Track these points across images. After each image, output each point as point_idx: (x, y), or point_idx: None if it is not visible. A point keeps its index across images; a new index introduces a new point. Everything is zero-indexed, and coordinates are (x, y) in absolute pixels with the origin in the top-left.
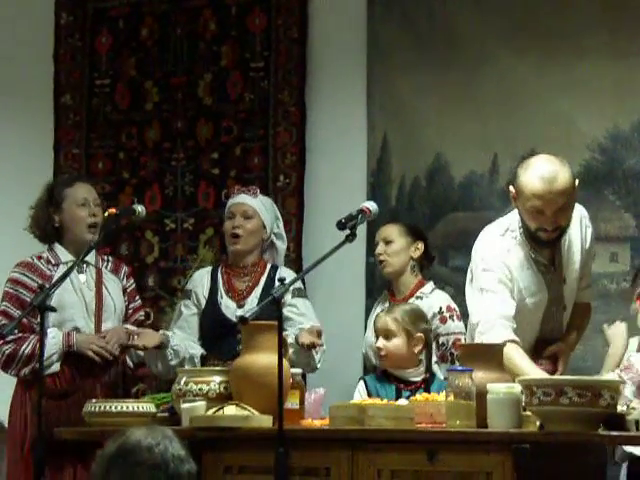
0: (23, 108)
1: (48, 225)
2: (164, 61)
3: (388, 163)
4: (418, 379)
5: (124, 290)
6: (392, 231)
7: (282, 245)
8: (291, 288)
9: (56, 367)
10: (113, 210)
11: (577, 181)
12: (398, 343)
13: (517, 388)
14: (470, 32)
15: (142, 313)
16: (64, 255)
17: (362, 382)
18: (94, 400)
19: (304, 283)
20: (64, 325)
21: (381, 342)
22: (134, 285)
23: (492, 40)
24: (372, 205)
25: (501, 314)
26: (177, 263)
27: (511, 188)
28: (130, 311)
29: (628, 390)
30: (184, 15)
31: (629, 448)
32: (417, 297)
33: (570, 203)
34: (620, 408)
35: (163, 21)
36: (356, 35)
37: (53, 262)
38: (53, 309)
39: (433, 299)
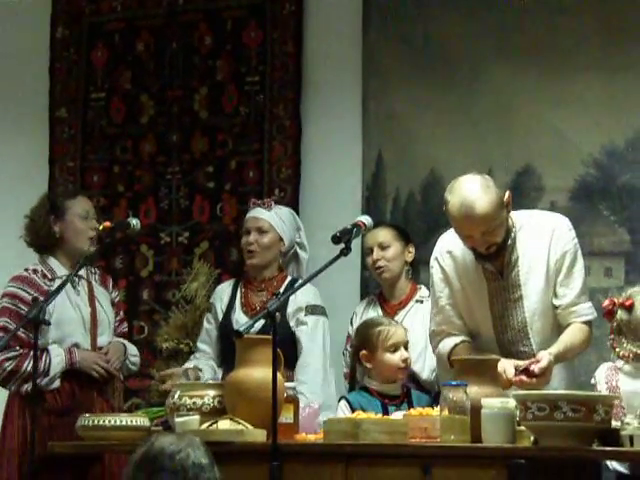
0: (19, 121)
1: (48, 235)
2: (159, 75)
3: (383, 177)
4: (398, 392)
5: (112, 302)
6: (387, 235)
7: (305, 255)
8: (304, 305)
9: (57, 384)
10: (108, 224)
11: (507, 194)
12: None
13: (511, 403)
14: (465, 48)
15: (125, 325)
16: (59, 269)
17: (344, 401)
18: (87, 414)
19: None
20: (64, 341)
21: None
22: (119, 297)
23: (487, 56)
24: (367, 219)
25: (449, 326)
26: (172, 277)
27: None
28: (116, 323)
29: None
30: (179, 29)
31: (614, 465)
32: (417, 301)
33: (497, 222)
34: (615, 423)
35: (159, 35)
36: (352, 50)
37: (49, 276)
38: (47, 322)
39: None
